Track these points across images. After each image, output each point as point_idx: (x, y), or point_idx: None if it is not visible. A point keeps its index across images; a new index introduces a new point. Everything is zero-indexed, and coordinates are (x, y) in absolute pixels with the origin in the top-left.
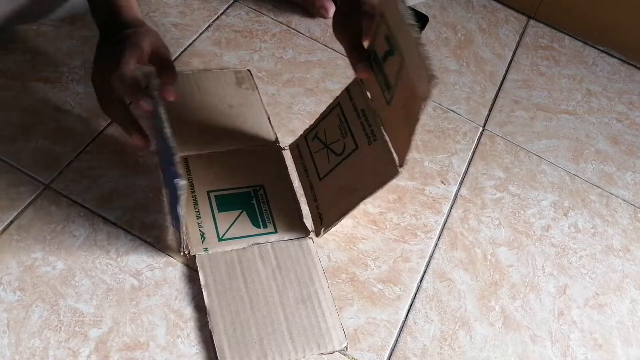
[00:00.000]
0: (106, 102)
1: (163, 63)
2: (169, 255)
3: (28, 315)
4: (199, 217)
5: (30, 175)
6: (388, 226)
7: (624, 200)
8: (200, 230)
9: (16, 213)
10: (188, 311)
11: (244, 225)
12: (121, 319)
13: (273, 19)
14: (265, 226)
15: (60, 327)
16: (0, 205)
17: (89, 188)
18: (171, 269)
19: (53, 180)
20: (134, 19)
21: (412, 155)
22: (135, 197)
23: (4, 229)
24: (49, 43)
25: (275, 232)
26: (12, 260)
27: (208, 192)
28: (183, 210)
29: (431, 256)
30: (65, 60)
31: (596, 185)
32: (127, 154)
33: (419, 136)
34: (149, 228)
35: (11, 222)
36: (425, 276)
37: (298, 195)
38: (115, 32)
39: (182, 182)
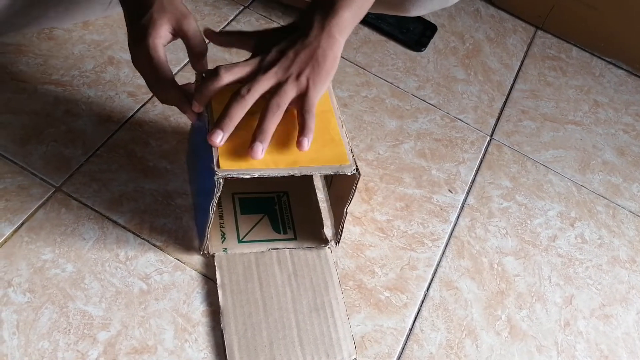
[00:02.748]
0: (155, 88)
1: (189, 38)
2: (178, 260)
3: (37, 317)
4: (221, 217)
5: (41, 178)
6: (395, 234)
7: (631, 212)
8: (221, 231)
9: (27, 215)
10: (196, 315)
11: (265, 230)
12: (129, 322)
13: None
14: (285, 232)
15: (69, 330)
16: (11, 207)
17: (99, 191)
18: (180, 273)
19: (63, 183)
20: None
21: (420, 163)
22: (144, 201)
23: (15, 231)
24: (61, 47)
25: (295, 239)
26: (22, 262)
27: (233, 194)
28: (214, 207)
29: (438, 264)
30: (76, 63)
31: (603, 196)
32: (137, 158)
33: (427, 144)
34: (158, 232)
35: (22, 224)
36: (432, 284)
37: (320, 205)
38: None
39: (221, 180)
